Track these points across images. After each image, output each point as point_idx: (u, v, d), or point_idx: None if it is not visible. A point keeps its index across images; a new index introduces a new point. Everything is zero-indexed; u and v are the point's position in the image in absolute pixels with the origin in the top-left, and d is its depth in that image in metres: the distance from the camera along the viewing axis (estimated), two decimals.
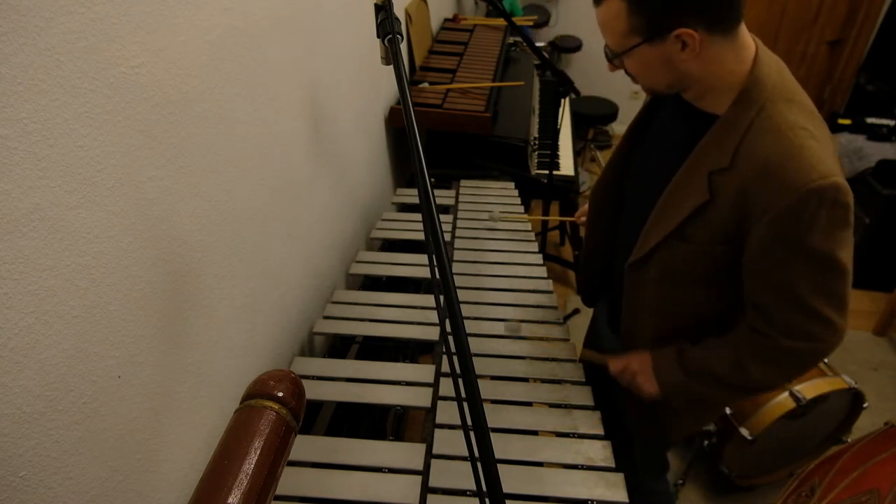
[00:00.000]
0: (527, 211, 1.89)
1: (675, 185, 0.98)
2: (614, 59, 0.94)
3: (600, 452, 1.06)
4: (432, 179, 1.68)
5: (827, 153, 0.85)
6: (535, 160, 2.21)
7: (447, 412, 1.13)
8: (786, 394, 1.79)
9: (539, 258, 1.62)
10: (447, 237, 1.70)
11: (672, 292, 1.06)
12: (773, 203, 0.85)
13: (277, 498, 0.94)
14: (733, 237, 0.93)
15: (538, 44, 3.08)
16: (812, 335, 0.93)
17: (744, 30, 0.90)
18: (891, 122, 3.40)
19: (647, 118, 1.13)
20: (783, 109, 0.87)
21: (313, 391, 1.16)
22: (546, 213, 2.44)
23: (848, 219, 0.86)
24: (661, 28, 0.85)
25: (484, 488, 0.51)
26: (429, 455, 1.04)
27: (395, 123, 2.08)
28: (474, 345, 1.30)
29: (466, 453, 0.68)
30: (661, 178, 1.00)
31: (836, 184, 0.82)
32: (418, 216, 1.69)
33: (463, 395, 0.53)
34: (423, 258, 1.59)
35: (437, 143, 2.11)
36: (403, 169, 2.33)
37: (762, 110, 0.88)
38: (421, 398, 1.16)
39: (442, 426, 1.10)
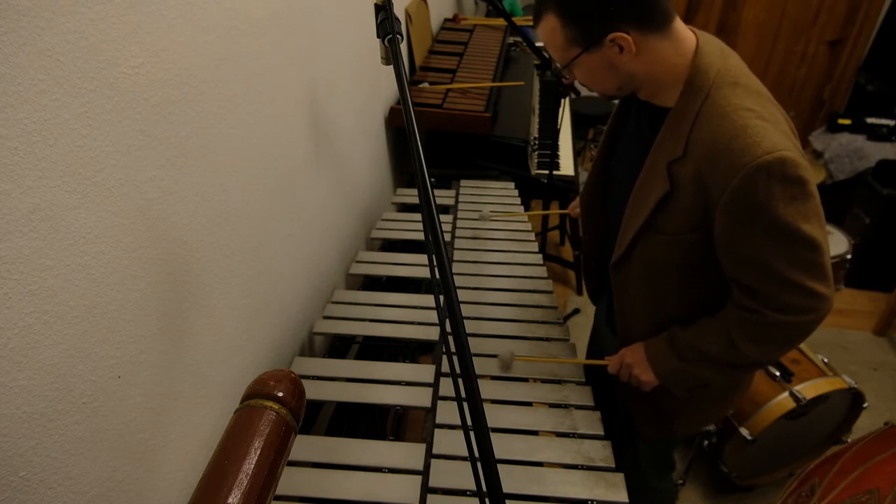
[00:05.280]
0: (527, 211, 1.89)
1: (641, 179, 1.01)
2: (563, 70, 0.98)
3: (600, 452, 1.06)
4: (432, 179, 1.68)
5: (775, 130, 0.86)
6: (535, 160, 2.21)
7: (447, 412, 1.13)
8: (786, 394, 1.79)
9: (539, 258, 1.62)
10: (447, 237, 1.70)
11: (657, 287, 1.07)
12: (725, 185, 0.87)
13: (277, 498, 0.94)
14: (701, 224, 0.95)
15: (538, 44, 3.08)
16: (800, 308, 0.93)
17: (680, 24, 0.93)
18: (891, 122, 3.40)
19: (621, 121, 1.16)
20: (727, 93, 0.90)
21: (313, 391, 1.16)
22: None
23: (806, 190, 0.87)
24: (594, 36, 0.90)
25: (484, 488, 0.51)
26: (429, 455, 1.04)
27: (395, 123, 2.08)
28: (474, 345, 1.30)
29: (466, 453, 0.68)
30: (634, 178, 1.03)
31: (782, 157, 0.83)
32: (418, 216, 1.69)
33: (463, 395, 0.53)
34: (423, 258, 1.59)
35: (437, 143, 2.11)
36: (403, 169, 2.33)
37: (708, 97, 0.91)
38: (421, 398, 1.16)
39: (442, 426, 1.10)
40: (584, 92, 1.08)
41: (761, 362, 1.03)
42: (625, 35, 0.88)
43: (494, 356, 1.26)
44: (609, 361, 1.19)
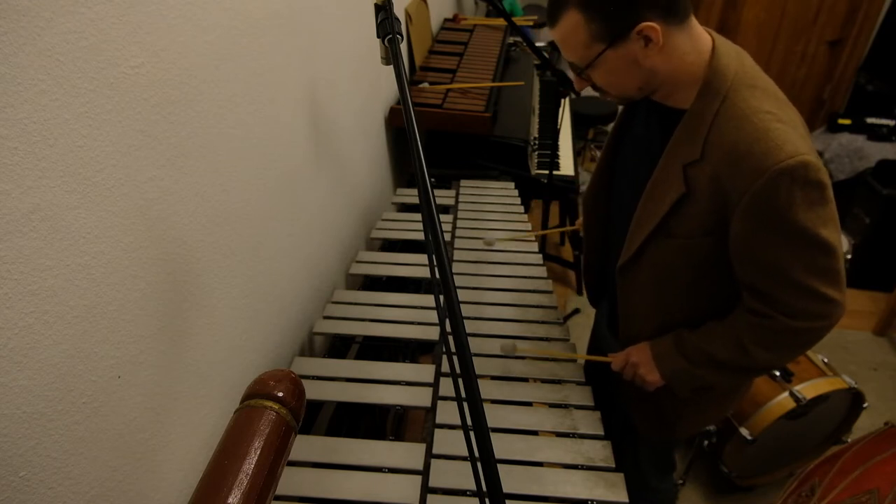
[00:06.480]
0: (527, 211, 1.89)
1: (653, 182, 0.99)
2: (582, 73, 0.94)
3: (600, 452, 1.06)
4: (432, 179, 1.68)
5: (795, 134, 0.86)
6: (535, 160, 2.21)
7: (447, 412, 1.13)
8: (786, 394, 1.79)
9: (539, 258, 1.62)
10: (447, 237, 1.70)
11: (665, 292, 1.06)
12: (745, 188, 0.86)
13: (277, 498, 0.94)
14: (716, 228, 0.94)
15: (538, 44, 3.09)
16: (812, 314, 0.93)
17: (696, 23, 0.92)
18: (891, 122, 3.40)
19: (626, 124, 1.14)
20: (746, 96, 0.89)
21: (313, 391, 1.16)
22: (546, 213, 2.44)
23: (825, 195, 0.87)
24: (621, 28, 0.86)
25: (484, 488, 0.51)
26: (429, 455, 1.04)
27: (395, 123, 2.08)
28: (474, 345, 1.30)
29: (466, 453, 0.68)
30: (642, 180, 1.01)
31: (805, 161, 0.83)
32: (418, 216, 1.69)
33: (463, 395, 0.53)
34: (423, 258, 1.59)
35: (437, 143, 2.11)
36: (403, 169, 2.33)
37: (726, 99, 0.89)
38: (421, 398, 1.16)
39: (442, 426, 1.10)
40: (585, 92, 1.04)
41: (769, 368, 1.03)
42: (653, 24, 0.85)
43: (495, 356, 1.26)
44: (613, 358, 1.18)
